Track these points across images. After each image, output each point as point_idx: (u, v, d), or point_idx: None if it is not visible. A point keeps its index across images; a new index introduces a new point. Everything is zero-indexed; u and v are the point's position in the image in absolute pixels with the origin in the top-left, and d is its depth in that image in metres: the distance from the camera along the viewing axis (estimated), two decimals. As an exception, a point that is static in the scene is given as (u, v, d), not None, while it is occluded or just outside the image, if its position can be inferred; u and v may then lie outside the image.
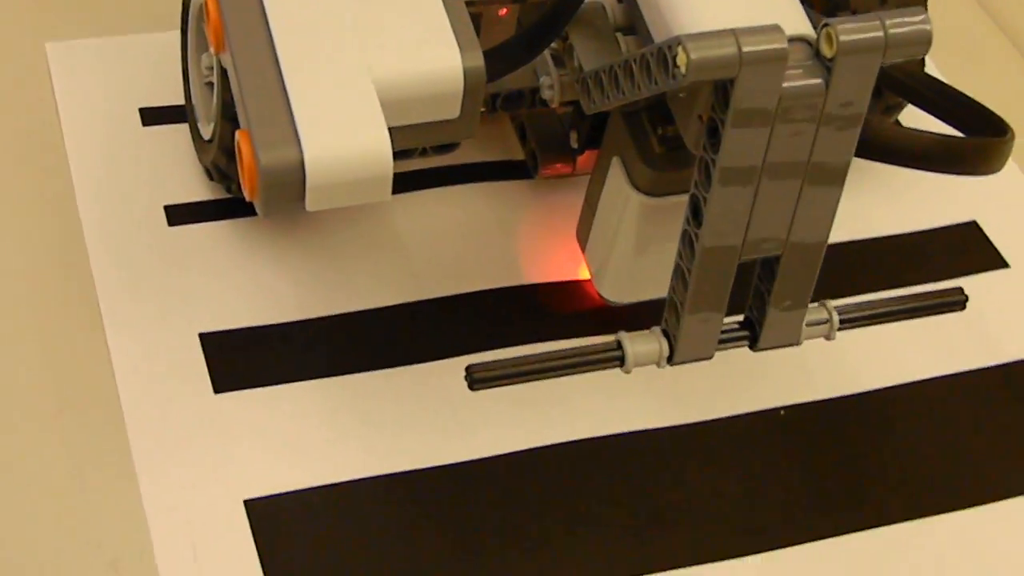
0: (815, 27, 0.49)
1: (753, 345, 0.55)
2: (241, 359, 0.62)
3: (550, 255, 0.67)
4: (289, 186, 0.50)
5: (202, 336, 0.63)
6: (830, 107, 0.47)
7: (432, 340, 0.64)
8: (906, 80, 0.56)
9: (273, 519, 0.57)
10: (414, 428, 0.61)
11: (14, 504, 0.57)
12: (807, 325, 0.55)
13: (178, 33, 0.67)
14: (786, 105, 0.47)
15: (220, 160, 0.63)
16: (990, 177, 0.53)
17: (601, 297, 0.63)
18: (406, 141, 0.54)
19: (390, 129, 0.51)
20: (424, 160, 0.60)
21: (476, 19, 0.61)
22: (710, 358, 0.55)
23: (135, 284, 0.64)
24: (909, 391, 0.65)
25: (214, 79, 0.62)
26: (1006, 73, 0.83)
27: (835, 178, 0.50)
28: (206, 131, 0.65)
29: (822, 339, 0.56)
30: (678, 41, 0.45)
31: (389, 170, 0.51)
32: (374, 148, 0.51)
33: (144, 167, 0.68)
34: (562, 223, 0.67)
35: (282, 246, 0.66)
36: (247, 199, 0.52)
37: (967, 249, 0.72)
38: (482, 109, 0.55)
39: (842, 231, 0.70)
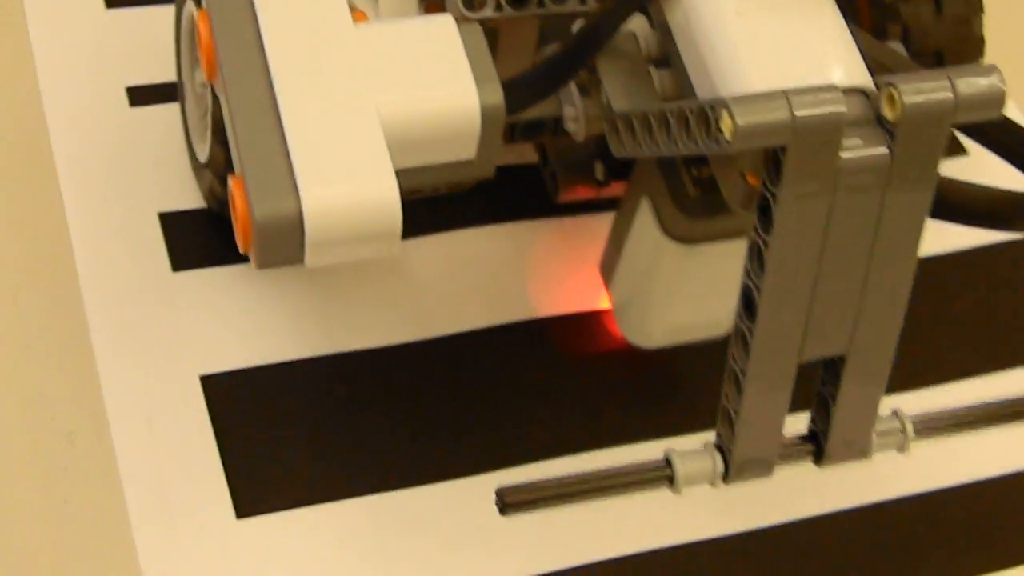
0: (872, 72, 0.44)
1: (818, 460, 0.49)
2: (200, 237, 0.62)
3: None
4: (286, 241, 0.45)
5: (162, 216, 0.63)
6: (895, 177, 0.42)
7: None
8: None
9: (228, 395, 0.58)
10: (374, 307, 0.61)
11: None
12: (878, 436, 0.49)
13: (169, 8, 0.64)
14: (846, 176, 0.42)
15: (216, 187, 0.58)
16: None
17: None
18: (417, 183, 0.49)
19: (400, 171, 0.46)
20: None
21: (493, 35, 0.56)
22: (770, 476, 0.49)
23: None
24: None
25: (208, 99, 0.57)
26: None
27: (905, 258, 0.44)
28: (202, 152, 0.60)
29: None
30: (723, 103, 0.40)
31: (398, 224, 0.46)
32: (381, 199, 0.45)
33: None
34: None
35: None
36: (241, 251, 0.47)
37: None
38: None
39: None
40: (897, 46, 0.59)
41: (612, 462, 0.56)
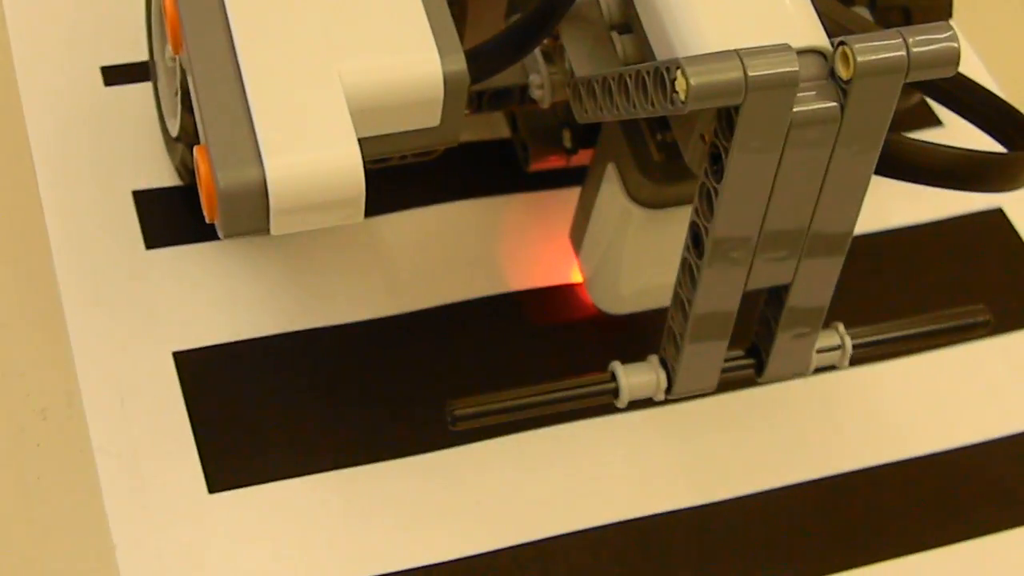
0: (829, 33, 0.45)
1: (759, 374, 0.51)
2: (174, 215, 0.63)
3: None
4: (251, 209, 0.46)
5: (135, 193, 0.63)
6: (846, 132, 0.43)
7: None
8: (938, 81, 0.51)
9: (200, 370, 0.58)
10: (348, 283, 0.61)
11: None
12: (817, 352, 0.51)
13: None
14: (797, 131, 0.42)
15: (188, 159, 0.59)
16: None
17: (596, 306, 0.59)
18: (381, 150, 0.49)
19: (363, 139, 0.47)
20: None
21: (462, 2, 0.56)
22: (712, 390, 0.50)
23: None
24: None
25: (178, 73, 0.57)
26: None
27: (850, 205, 0.45)
28: (173, 127, 0.60)
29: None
30: (677, 64, 0.41)
31: (361, 190, 0.46)
32: (344, 166, 0.46)
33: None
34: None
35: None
36: (207, 220, 0.47)
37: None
38: (465, 111, 0.50)
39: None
40: (862, 11, 0.59)
41: (588, 431, 0.58)
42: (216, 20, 0.48)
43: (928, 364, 0.62)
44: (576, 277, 0.60)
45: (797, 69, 0.41)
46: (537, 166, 0.62)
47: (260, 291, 0.61)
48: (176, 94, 0.59)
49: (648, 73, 0.43)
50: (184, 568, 0.54)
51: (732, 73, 0.40)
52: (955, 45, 0.42)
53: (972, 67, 0.73)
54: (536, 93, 0.54)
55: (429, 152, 0.52)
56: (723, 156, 0.43)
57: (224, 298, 0.60)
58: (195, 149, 0.46)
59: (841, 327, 0.51)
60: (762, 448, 0.59)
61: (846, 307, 0.54)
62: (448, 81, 0.48)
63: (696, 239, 0.45)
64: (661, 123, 0.52)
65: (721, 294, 0.46)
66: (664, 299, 0.54)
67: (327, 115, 0.46)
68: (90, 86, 0.67)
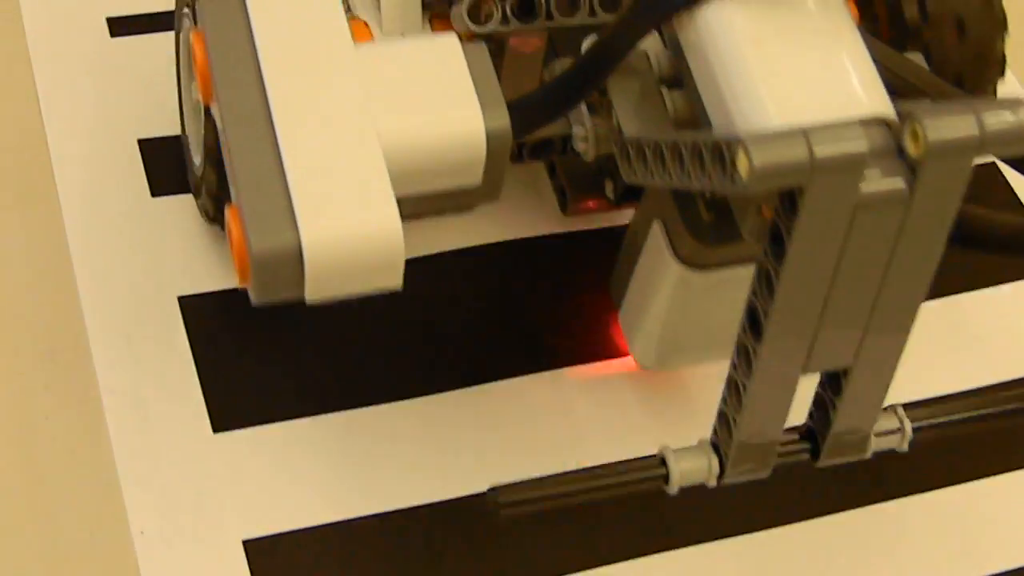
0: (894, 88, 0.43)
1: (815, 459, 0.48)
2: (179, 164, 0.63)
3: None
4: (285, 275, 0.44)
5: (141, 142, 0.64)
6: (915, 212, 0.40)
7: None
8: None
9: (205, 314, 0.59)
10: None
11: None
12: (875, 435, 0.48)
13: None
14: (863, 212, 0.40)
15: (208, 206, 0.57)
16: None
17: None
18: (420, 210, 0.47)
19: (401, 200, 0.45)
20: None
21: (499, 49, 0.54)
22: (766, 475, 0.48)
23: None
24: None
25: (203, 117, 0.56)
26: None
27: (916, 287, 0.43)
28: (198, 163, 0.58)
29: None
30: (739, 141, 0.38)
31: (401, 255, 0.44)
32: (383, 230, 0.44)
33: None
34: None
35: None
36: (239, 285, 0.45)
37: None
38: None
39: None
40: (917, 56, 0.56)
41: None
42: (249, 72, 0.46)
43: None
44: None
45: (865, 149, 0.39)
46: (575, 211, 0.60)
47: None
48: (202, 136, 0.57)
49: (706, 147, 0.41)
50: (188, 505, 0.55)
51: (797, 153, 0.38)
52: None
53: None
54: (580, 146, 0.52)
55: (466, 207, 0.50)
56: (784, 237, 0.40)
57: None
58: (227, 209, 0.44)
59: (900, 409, 0.49)
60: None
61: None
62: (491, 138, 0.46)
63: (753, 321, 0.43)
64: None
65: (778, 378, 0.44)
66: (705, 357, 0.52)
67: (365, 175, 0.44)
68: (97, 37, 0.68)
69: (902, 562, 0.57)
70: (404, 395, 0.58)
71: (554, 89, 0.49)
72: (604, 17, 0.52)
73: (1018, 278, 0.66)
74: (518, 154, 0.55)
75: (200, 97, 0.48)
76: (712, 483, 0.47)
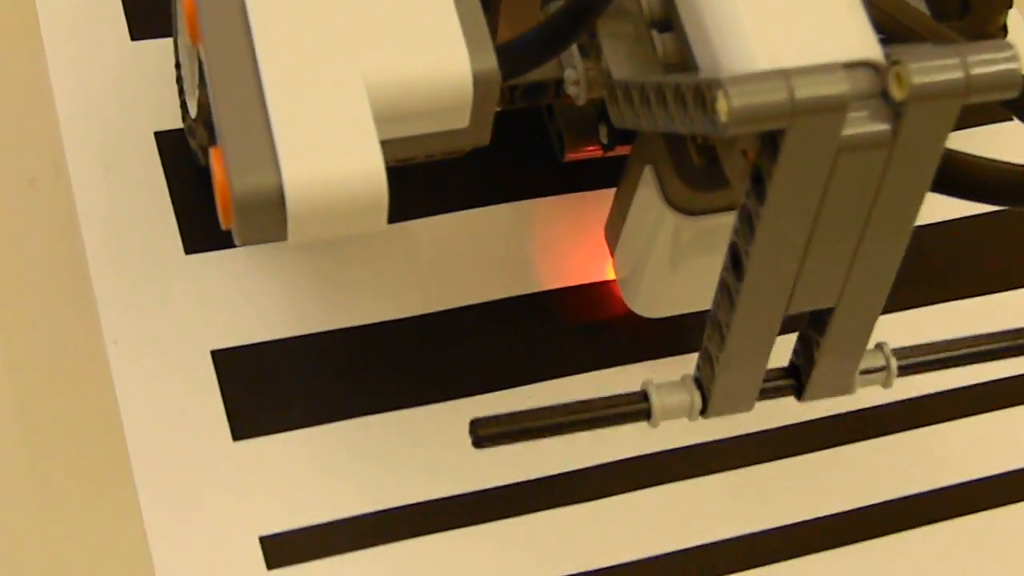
0: (881, 28, 0.42)
1: (799, 396, 0.48)
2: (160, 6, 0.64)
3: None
4: (267, 216, 0.43)
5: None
6: (898, 156, 0.40)
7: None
8: None
9: (179, 147, 0.62)
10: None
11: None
12: (861, 372, 0.48)
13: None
14: (845, 155, 0.39)
15: (201, 155, 0.57)
16: None
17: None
18: (406, 153, 0.47)
19: (388, 142, 0.44)
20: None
21: None
22: (749, 411, 0.48)
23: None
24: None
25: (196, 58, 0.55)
26: None
27: (900, 230, 0.42)
28: (192, 106, 0.58)
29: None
30: (718, 83, 0.38)
31: (384, 197, 0.44)
32: (365, 172, 0.43)
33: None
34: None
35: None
36: (223, 227, 0.45)
37: None
38: (496, 108, 0.48)
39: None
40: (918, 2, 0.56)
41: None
42: (235, 12, 0.45)
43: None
44: (611, 274, 0.58)
45: (847, 91, 0.38)
46: (573, 156, 0.60)
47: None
48: (196, 76, 0.57)
49: (688, 89, 0.40)
50: (160, 319, 0.58)
51: (777, 95, 0.38)
52: (1015, 66, 0.39)
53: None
54: (571, 89, 0.52)
55: (457, 150, 0.50)
56: (766, 179, 0.40)
57: None
58: (211, 151, 0.44)
59: (887, 347, 0.49)
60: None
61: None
62: (478, 81, 0.45)
63: (736, 261, 0.43)
64: None
65: (760, 318, 0.44)
66: (698, 304, 0.52)
67: (349, 118, 0.44)
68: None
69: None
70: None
71: (544, 31, 0.48)
72: None
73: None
74: (510, 97, 0.55)
75: (188, 37, 0.47)
76: (694, 418, 0.47)
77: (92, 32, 0.66)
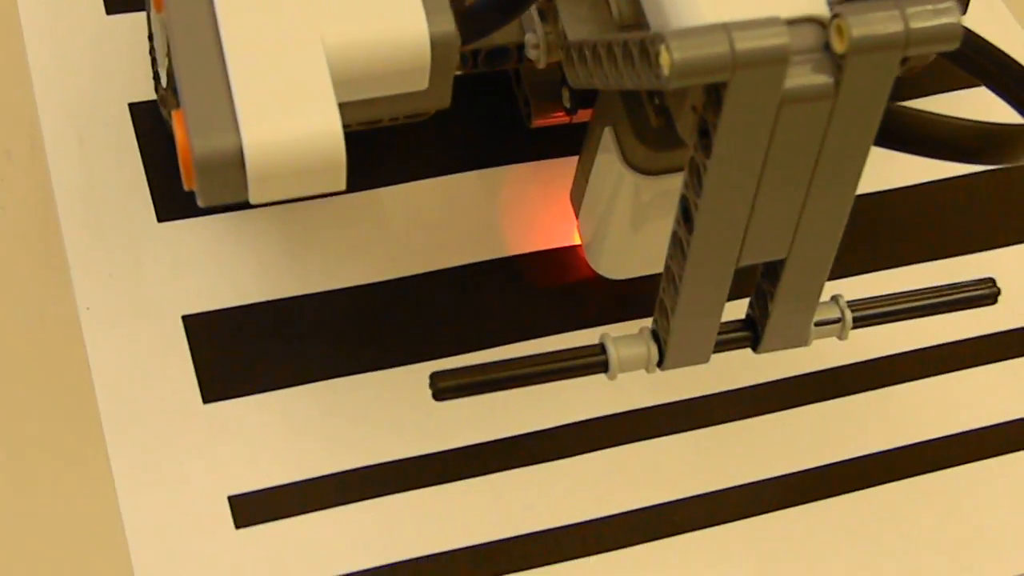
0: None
1: (755, 347, 0.49)
2: None
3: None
4: (228, 177, 0.44)
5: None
6: (841, 109, 0.41)
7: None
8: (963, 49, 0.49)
9: (153, 119, 0.63)
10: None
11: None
12: (816, 324, 0.49)
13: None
14: (788, 107, 0.40)
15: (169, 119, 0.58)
16: None
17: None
18: (367, 115, 0.48)
19: (347, 104, 0.45)
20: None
21: None
22: (706, 362, 0.49)
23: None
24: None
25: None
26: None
27: (847, 180, 0.43)
28: (163, 76, 0.59)
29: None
30: (660, 37, 0.39)
31: (341, 158, 0.44)
32: (323, 132, 0.44)
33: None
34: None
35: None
36: (185, 188, 0.46)
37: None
38: (458, 71, 0.49)
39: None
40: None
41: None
42: None
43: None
44: (577, 239, 0.59)
45: (787, 42, 0.39)
46: (540, 122, 0.60)
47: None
48: (166, 46, 0.57)
49: (634, 44, 0.41)
50: (132, 286, 0.59)
51: (718, 47, 0.38)
52: (955, 20, 0.40)
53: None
54: (532, 53, 0.52)
55: (420, 114, 0.51)
56: (711, 132, 0.41)
57: None
58: (173, 114, 0.45)
59: (842, 299, 0.49)
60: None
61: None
62: (436, 43, 0.46)
63: (686, 213, 0.44)
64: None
65: (713, 269, 0.45)
66: (662, 265, 0.53)
67: (307, 80, 0.45)
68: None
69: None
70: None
71: None
72: None
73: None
74: (472, 62, 0.55)
75: (154, 6, 0.48)
76: (652, 370, 0.47)
77: (67, 5, 0.66)
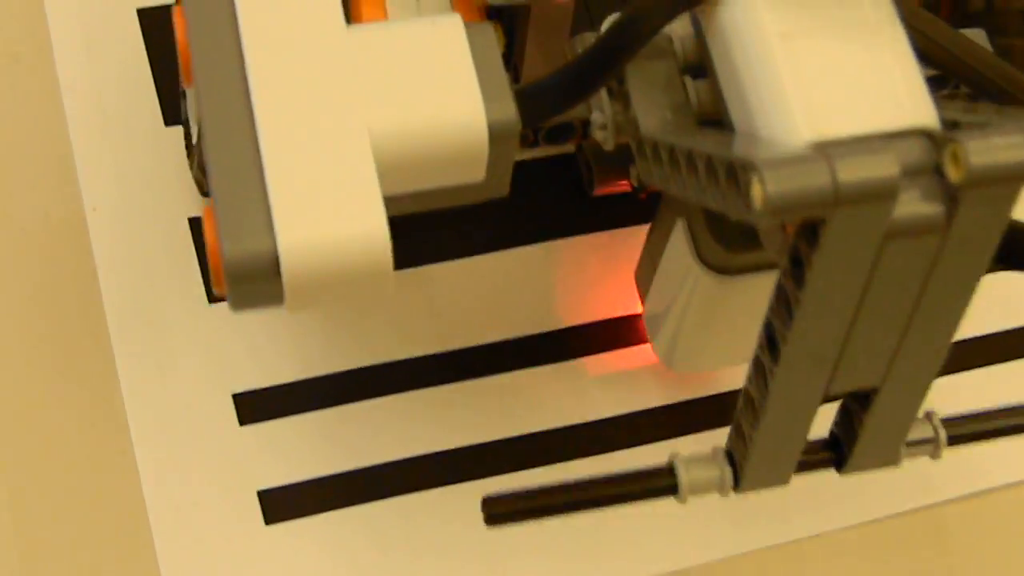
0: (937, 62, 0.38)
1: (839, 468, 0.44)
2: None
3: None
4: (261, 282, 0.40)
5: None
6: (952, 242, 0.36)
7: None
8: None
9: (163, 25, 0.63)
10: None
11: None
12: (907, 444, 0.44)
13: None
14: (893, 241, 0.36)
15: (202, 180, 0.53)
16: None
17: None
18: (416, 208, 0.43)
19: (397, 197, 0.41)
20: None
21: (524, 17, 0.50)
22: (786, 484, 0.44)
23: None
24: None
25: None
26: None
27: (953, 314, 0.38)
28: (195, 134, 0.55)
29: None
30: (752, 166, 0.34)
31: (388, 265, 0.40)
32: (368, 236, 0.40)
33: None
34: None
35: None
36: (216, 293, 0.41)
37: None
38: (516, 156, 0.44)
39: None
40: (978, 34, 0.51)
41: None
42: (231, 59, 0.42)
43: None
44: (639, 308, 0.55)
45: (897, 174, 0.34)
46: (602, 190, 0.56)
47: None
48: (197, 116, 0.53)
49: (721, 164, 0.36)
50: (139, 188, 0.60)
51: (818, 180, 0.34)
52: None
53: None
54: (598, 134, 0.48)
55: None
56: (805, 264, 0.36)
57: None
58: (203, 209, 0.41)
59: (936, 417, 0.45)
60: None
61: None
62: (494, 131, 0.42)
63: (771, 341, 0.39)
64: None
65: (797, 400, 0.40)
66: (728, 363, 0.48)
67: (351, 175, 0.40)
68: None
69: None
70: None
71: (567, 75, 0.44)
72: None
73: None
74: (532, 139, 0.51)
75: (183, 79, 0.44)
76: (725, 494, 0.43)
77: None
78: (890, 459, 0.44)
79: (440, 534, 0.55)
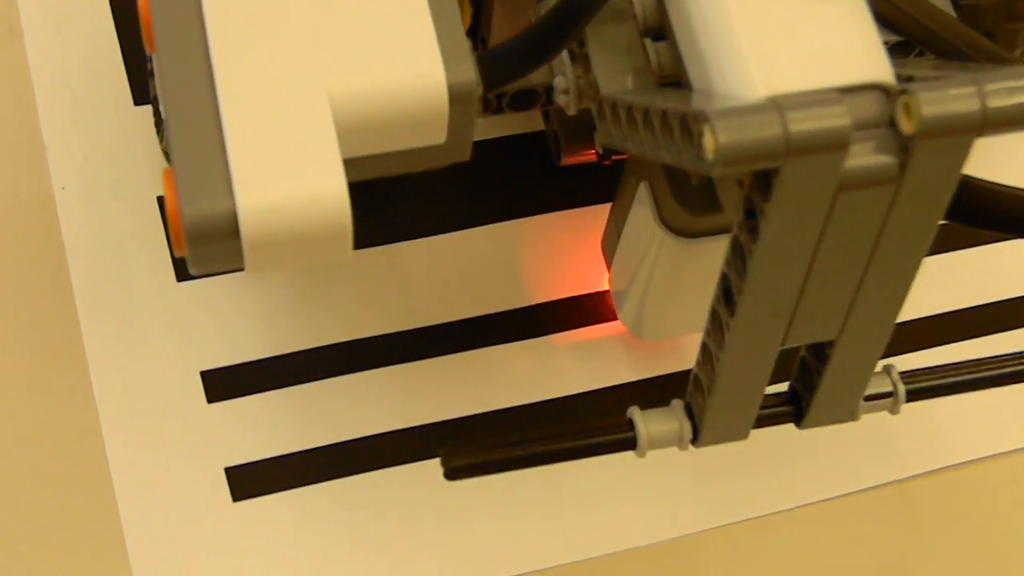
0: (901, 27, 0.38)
1: (799, 422, 0.44)
2: None
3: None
4: (221, 244, 0.40)
5: None
6: (905, 193, 0.36)
7: None
8: None
9: (132, 5, 0.61)
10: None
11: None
12: (866, 399, 0.44)
13: None
14: (846, 192, 0.36)
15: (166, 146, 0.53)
16: None
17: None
18: (375, 171, 0.43)
19: (357, 160, 0.41)
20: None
21: None
22: (744, 439, 0.44)
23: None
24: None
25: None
26: None
27: (908, 265, 0.39)
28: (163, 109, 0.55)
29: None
30: (704, 116, 0.34)
31: (347, 226, 0.40)
32: (327, 197, 0.40)
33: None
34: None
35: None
36: (176, 255, 0.41)
37: None
38: (479, 118, 0.44)
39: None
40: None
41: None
42: (192, 23, 0.42)
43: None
44: (606, 285, 0.55)
45: (848, 124, 0.34)
46: (570, 159, 0.56)
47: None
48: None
49: (675, 118, 0.36)
50: (108, 167, 0.60)
51: (770, 130, 0.34)
52: None
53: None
54: (561, 98, 0.48)
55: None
56: (758, 215, 0.36)
57: None
58: (164, 172, 0.41)
59: (895, 372, 0.45)
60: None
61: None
62: (454, 94, 0.42)
63: (727, 293, 0.39)
64: None
65: (754, 351, 0.40)
66: (694, 329, 0.48)
67: (311, 138, 0.40)
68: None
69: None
70: None
71: (529, 38, 0.44)
72: None
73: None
74: (496, 105, 0.51)
75: (145, 45, 0.44)
76: (684, 447, 0.43)
77: None
78: (849, 414, 0.44)
79: (409, 510, 0.55)
